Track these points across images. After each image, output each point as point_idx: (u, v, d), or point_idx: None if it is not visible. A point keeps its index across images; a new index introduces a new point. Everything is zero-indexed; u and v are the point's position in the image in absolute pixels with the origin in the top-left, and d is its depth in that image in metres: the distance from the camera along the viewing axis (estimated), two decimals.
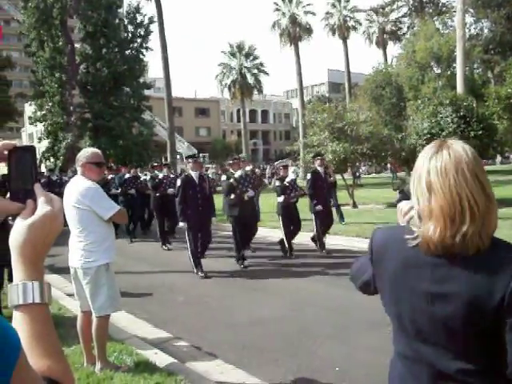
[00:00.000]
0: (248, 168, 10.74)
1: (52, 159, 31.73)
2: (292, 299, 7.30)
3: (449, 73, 38.36)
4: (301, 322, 6.19)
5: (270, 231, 13.03)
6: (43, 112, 31.92)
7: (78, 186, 4.41)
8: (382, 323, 5.84)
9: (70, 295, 6.53)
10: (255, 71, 48.11)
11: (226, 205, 10.36)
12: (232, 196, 9.61)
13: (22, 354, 0.85)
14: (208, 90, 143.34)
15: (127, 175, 14.23)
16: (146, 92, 34.85)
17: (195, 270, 8.98)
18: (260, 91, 49.87)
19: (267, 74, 48.99)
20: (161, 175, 12.98)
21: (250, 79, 47.77)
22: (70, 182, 4.59)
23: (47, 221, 1.02)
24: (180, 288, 8.25)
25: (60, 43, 30.86)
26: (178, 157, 37.71)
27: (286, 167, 11.26)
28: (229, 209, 10.01)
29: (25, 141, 60.54)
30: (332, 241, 11.25)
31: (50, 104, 31.61)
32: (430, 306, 1.47)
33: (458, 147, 1.50)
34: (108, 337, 5.17)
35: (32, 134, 48.89)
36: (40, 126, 33.84)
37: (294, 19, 46.41)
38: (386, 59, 49.75)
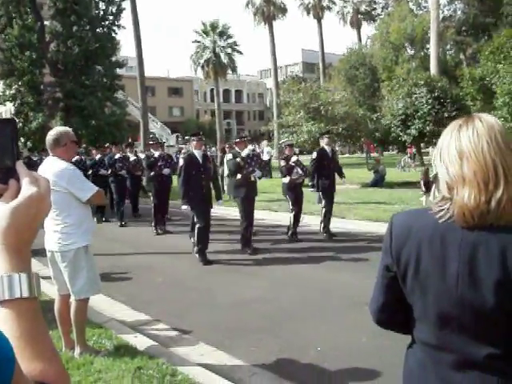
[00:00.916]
0: (251, 147, 10.32)
1: (22, 139, 31.06)
2: (274, 280, 7.31)
3: (422, 54, 38.61)
4: (282, 302, 6.20)
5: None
6: (12, 91, 31.15)
7: (54, 168, 4.27)
8: (362, 302, 5.89)
9: (46, 278, 6.41)
10: (229, 50, 47.54)
11: (230, 186, 9.86)
12: (238, 176, 9.16)
13: (16, 366, 0.75)
14: (181, 70, 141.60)
15: (117, 155, 13.36)
16: (119, 71, 34.23)
17: (200, 259, 8.45)
18: (234, 71, 49.40)
19: (241, 53, 48.47)
20: (156, 154, 12.17)
21: (224, 58, 47.22)
22: (44, 163, 4.45)
23: (33, 203, 0.89)
24: (159, 269, 8.18)
25: (29, 20, 30.03)
26: (151, 136, 37.28)
27: (291, 146, 10.48)
28: (234, 190, 9.53)
29: None
30: (310, 221, 11.28)
31: (20, 83, 30.83)
32: (458, 289, 1.41)
33: (489, 117, 1.48)
34: (86, 321, 5.10)
35: (1, 113, 47.73)
36: (9, 106, 33.04)
37: None
38: (360, 40, 49.84)
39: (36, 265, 8.19)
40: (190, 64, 48.41)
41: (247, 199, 9.19)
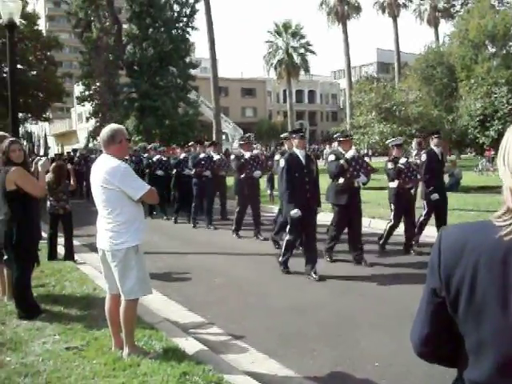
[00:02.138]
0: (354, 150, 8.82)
1: (99, 139, 32.17)
2: (334, 285, 7.02)
3: (504, 52, 36.79)
4: (342, 309, 5.92)
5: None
6: (91, 92, 32.33)
7: (106, 166, 4.23)
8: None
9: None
10: (302, 51, 47.31)
11: (331, 190, 8.37)
12: (341, 180, 8.08)
13: None
14: (254, 70, 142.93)
15: (202, 155, 12.38)
16: (193, 72, 34.81)
17: (280, 265, 7.75)
18: (307, 71, 49.08)
19: (314, 53, 48.20)
20: (247, 155, 10.84)
21: (297, 59, 47.03)
22: (97, 161, 4.42)
23: None
24: (218, 270, 8.08)
25: (107, 23, 31.09)
26: (224, 137, 37.66)
27: (399, 146, 9.14)
28: (334, 196, 8.24)
29: (74, 121, 61.75)
30: (378, 225, 10.85)
31: (98, 84, 31.97)
32: None
33: None
34: (139, 320, 5.04)
35: (81, 113, 49.71)
36: (88, 106, 34.30)
37: None
38: (437, 38, 48.08)
39: (98, 261, 8.33)
40: (262, 65, 48.59)
41: (348, 208, 8.10)
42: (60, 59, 54.06)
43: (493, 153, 22.92)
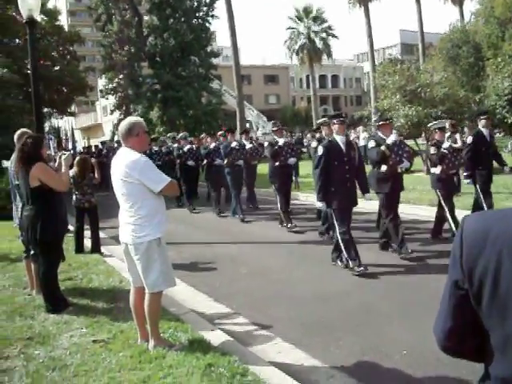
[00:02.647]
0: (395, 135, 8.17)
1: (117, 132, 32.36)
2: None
3: None
4: (367, 298, 5.84)
5: None
6: (114, 85, 32.53)
7: (127, 159, 4.21)
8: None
9: None
10: (323, 35, 46.79)
11: (371, 178, 7.82)
12: (384, 168, 7.57)
13: None
14: (277, 57, 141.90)
15: (233, 143, 11.92)
16: (214, 61, 34.75)
17: (351, 264, 6.81)
18: (329, 56, 48.56)
19: (336, 37, 47.65)
20: (281, 141, 10.45)
21: (319, 43, 46.55)
22: (117, 155, 4.40)
23: None
24: (243, 260, 8.07)
25: (127, 16, 31.18)
26: (248, 125, 37.56)
27: (442, 129, 8.55)
28: (377, 184, 7.74)
29: (99, 114, 62.29)
30: (406, 210, 10.69)
31: (121, 77, 32.14)
32: None
33: None
34: (164, 311, 5.06)
35: (106, 106, 50.12)
36: (112, 99, 34.53)
37: None
38: (462, 16, 47.10)
39: (122, 254, 8.40)
40: (284, 51, 48.24)
41: (392, 196, 7.64)
42: (83, 53, 54.40)
43: None
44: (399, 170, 7.70)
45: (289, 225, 10.14)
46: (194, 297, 6.23)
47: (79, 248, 8.72)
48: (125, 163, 4.20)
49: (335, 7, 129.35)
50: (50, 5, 26.74)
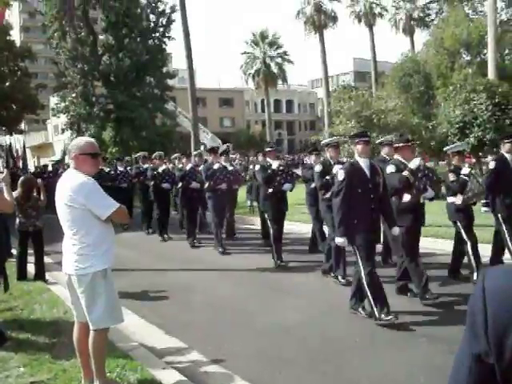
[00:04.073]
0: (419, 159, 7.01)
1: None
2: (319, 302, 6.70)
3: (479, 60, 37.23)
4: (329, 330, 5.58)
5: (297, 225, 12.42)
6: (66, 103, 31.71)
7: (71, 182, 3.86)
8: (418, 334, 5.23)
9: None
10: (279, 60, 47.29)
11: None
12: (406, 198, 6.54)
13: None
14: (232, 80, 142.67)
15: (216, 165, 10.75)
16: (170, 82, 34.37)
17: (377, 312, 5.57)
18: (284, 80, 49.05)
19: (291, 62, 48.17)
20: (275, 164, 9.16)
21: (274, 68, 46.98)
22: (63, 177, 4.04)
23: None
24: (198, 288, 7.70)
25: (82, 34, 30.58)
26: (202, 148, 37.25)
27: (460, 153, 7.69)
28: (397, 216, 6.42)
29: (50, 133, 60.78)
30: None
31: (73, 95, 31.36)
32: None
33: None
34: (112, 347, 4.67)
35: (57, 125, 48.89)
36: (64, 118, 33.63)
37: (318, 7, 45.38)
38: (413, 47, 48.52)
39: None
40: (240, 75, 48.43)
41: (414, 230, 6.56)
42: (35, 70, 53.17)
43: (473, 160, 22.91)
44: (422, 200, 6.72)
45: (278, 261, 8.88)
46: (144, 329, 5.83)
47: (22, 274, 8.16)
48: (69, 186, 3.85)
49: (291, 33, 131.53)
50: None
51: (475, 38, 36.84)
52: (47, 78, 60.11)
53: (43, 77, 64.53)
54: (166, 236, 12.52)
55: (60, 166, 20.64)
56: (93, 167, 4.02)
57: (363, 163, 5.99)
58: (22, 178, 8.42)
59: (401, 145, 6.81)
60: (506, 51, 40.52)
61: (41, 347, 5.02)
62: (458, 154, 7.64)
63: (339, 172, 6.11)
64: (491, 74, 25.68)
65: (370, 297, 5.65)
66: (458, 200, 7.30)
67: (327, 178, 7.77)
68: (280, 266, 8.77)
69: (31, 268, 8.40)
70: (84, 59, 30.56)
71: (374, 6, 49.04)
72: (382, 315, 5.50)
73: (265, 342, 5.26)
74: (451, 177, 7.45)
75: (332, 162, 7.98)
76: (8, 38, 27.25)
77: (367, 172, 5.94)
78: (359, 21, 49.10)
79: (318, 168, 8.10)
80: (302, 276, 8.13)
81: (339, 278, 7.50)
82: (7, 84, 27.06)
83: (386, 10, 50.06)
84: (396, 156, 6.94)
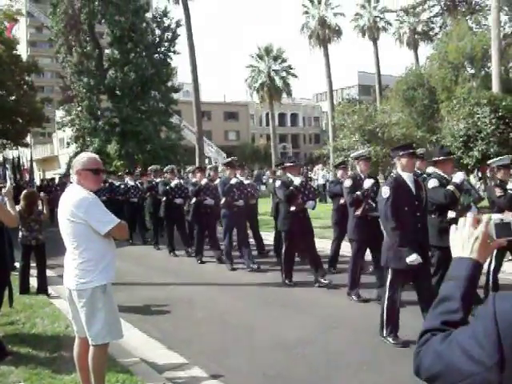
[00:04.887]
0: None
1: None
2: (321, 317, 6.65)
3: (483, 73, 37.30)
4: (331, 345, 5.54)
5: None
6: (71, 117, 31.89)
7: (73, 197, 3.87)
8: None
9: None
10: (284, 74, 47.45)
11: (432, 228, 6.09)
12: (451, 214, 6.12)
13: None
14: (237, 94, 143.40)
15: (233, 180, 9.95)
16: (175, 96, 34.54)
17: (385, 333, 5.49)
18: (289, 94, 49.19)
19: (296, 76, 48.29)
20: (297, 180, 8.36)
21: (279, 82, 47.14)
22: (65, 192, 4.06)
23: None
24: (200, 303, 7.68)
25: (88, 48, 30.83)
26: (207, 161, 37.36)
27: (506, 167, 7.11)
28: (439, 235, 6.12)
29: (56, 146, 61.07)
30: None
31: (79, 109, 31.56)
32: None
33: None
34: (113, 361, 4.66)
35: (63, 139, 49.17)
36: (69, 131, 33.82)
37: (323, 21, 45.63)
38: (417, 60, 48.68)
39: None
40: (245, 88, 48.65)
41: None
42: (42, 84, 53.59)
43: (478, 173, 22.87)
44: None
45: (287, 280, 8.46)
46: (145, 344, 5.81)
47: (24, 288, 8.17)
48: (71, 201, 3.86)
49: (296, 47, 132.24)
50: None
51: (479, 52, 36.96)
52: (53, 92, 60.49)
53: (49, 90, 64.99)
54: (174, 254, 12.09)
55: (67, 179, 20.74)
56: (95, 183, 4.03)
57: (407, 178, 5.56)
58: (24, 192, 8.46)
59: (441, 158, 6.36)
60: (510, 64, 40.62)
61: (41, 362, 5.01)
62: (503, 167, 7.19)
63: (383, 189, 5.59)
64: (495, 87, 25.74)
65: (385, 323, 5.49)
66: (509, 216, 6.53)
67: (358, 193, 7.25)
68: (287, 284, 8.41)
69: (34, 281, 8.41)
70: (90, 73, 30.78)
71: (377, 19, 49.34)
72: (389, 338, 5.41)
73: (266, 358, 5.22)
74: (498, 192, 6.90)
75: (362, 176, 7.48)
76: (14, 52, 27.45)
77: (412, 188, 5.53)
78: (363, 35, 49.37)
79: (347, 183, 7.50)
80: (305, 291, 8.08)
81: (353, 296, 7.30)
82: (13, 98, 27.21)
83: (390, 24, 50.34)
84: (434, 170, 6.52)
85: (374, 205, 7.05)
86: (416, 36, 50.03)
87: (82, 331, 3.98)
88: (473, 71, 38.63)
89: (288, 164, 8.80)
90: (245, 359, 5.24)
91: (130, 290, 8.37)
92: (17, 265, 8.79)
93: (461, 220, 1.42)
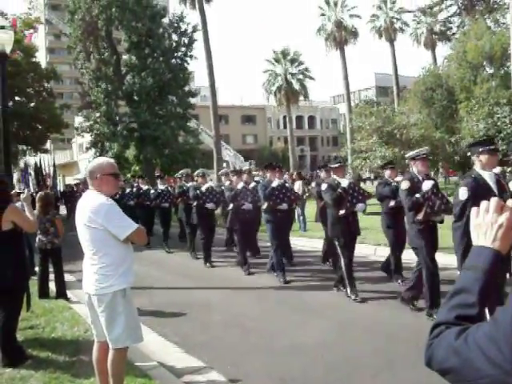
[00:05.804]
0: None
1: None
2: (339, 321, 6.63)
3: (502, 72, 36.87)
4: (348, 349, 5.51)
5: (317, 241, 12.36)
6: (90, 122, 32.21)
7: (90, 202, 3.91)
8: None
9: None
10: (300, 77, 47.42)
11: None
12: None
13: None
14: (254, 97, 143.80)
15: (275, 183, 9.38)
16: (192, 100, 34.71)
17: None
18: (306, 97, 49.14)
19: (313, 79, 48.22)
20: (344, 182, 7.85)
21: (296, 85, 47.10)
22: (82, 198, 4.09)
23: None
24: (217, 307, 7.69)
25: (106, 54, 31.13)
26: (225, 165, 37.44)
27: None
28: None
29: (75, 151, 61.75)
30: (381, 252, 10.48)
31: (97, 114, 31.86)
32: None
33: None
34: (131, 365, 4.68)
35: (82, 144, 49.71)
36: (88, 137, 34.17)
37: (339, 23, 45.56)
38: (435, 61, 48.29)
39: None
40: (262, 92, 48.70)
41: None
42: (61, 91, 54.22)
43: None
44: None
45: (353, 295, 7.58)
46: (163, 348, 5.83)
47: (43, 292, 8.25)
48: (89, 207, 3.89)
49: (312, 50, 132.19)
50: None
51: (498, 51, 36.51)
52: (72, 98, 61.19)
53: (68, 97, 65.74)
54: (210, 264, 11.28)
55: (86, 186, 20.95)
56: (114, 187, 4.09)
57: (488, 178, 5.12)
58: (39, 193, 8.57)
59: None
60: None
61: (61, 366, 5.05)
62: None
63: (461, 190, 5.17)
64: None
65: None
66: None
67: (417, 196, 6.46)
68: (355, 300, 7.50)
69: (54, 286, 8.49)
70: (107, 79, 31.08)
71: (394, 20, 49.08)
72: None
73: (284, 362, 5.21)
74: None
75: (420, 178, 6.74)
76: (33, 59, 27.85)
77: (494, 187, 5.07)
78: (380, 36, 49.16)
79: (404, 185, 6.71)
80: (323, 295, 8.04)
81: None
82: (32, 104, 27.59)
83: (407, 25, 50.06)
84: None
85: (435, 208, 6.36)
86: (433, 36, 49.67)
87: (102, 335, 4.01)
88: (492, 70, 38.19)
89: (334, 165, 8.10)
90: (262, 363, 5.23)
91: (148, 294, 8.42)
92: (37, 269, 8.88)
93: (483, 203, 1.32)
